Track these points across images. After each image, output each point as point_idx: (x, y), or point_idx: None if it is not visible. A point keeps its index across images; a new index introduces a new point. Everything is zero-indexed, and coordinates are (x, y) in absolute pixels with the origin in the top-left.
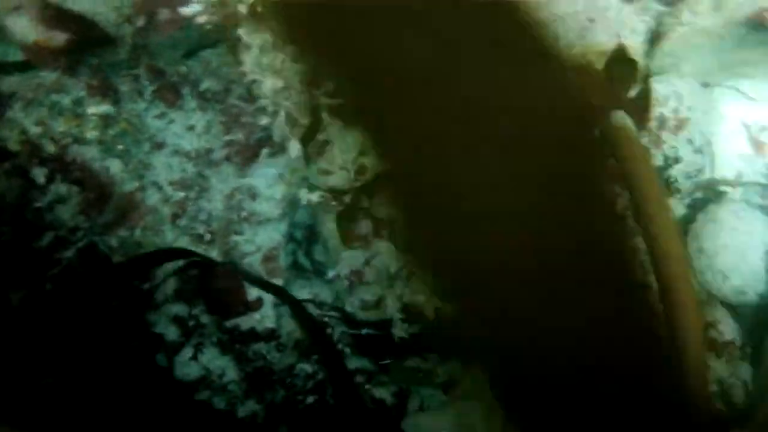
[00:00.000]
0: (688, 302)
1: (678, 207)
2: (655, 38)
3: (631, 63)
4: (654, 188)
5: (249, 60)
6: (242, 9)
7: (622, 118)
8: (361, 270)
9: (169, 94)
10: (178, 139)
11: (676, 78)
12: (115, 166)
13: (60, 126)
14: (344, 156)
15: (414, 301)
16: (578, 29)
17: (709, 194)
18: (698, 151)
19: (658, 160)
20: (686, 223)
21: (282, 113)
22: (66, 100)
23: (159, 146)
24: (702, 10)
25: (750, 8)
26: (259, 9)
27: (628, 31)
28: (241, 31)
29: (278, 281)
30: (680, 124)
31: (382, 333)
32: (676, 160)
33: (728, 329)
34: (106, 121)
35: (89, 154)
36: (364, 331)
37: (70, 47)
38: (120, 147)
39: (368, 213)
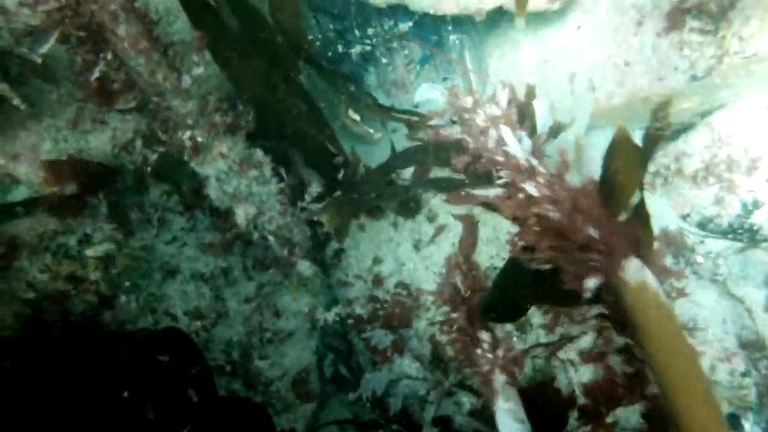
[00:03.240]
0: None
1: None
2: (703, 73)
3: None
4: (694, 375)
5: (211, 192)
6: (186, 141)
7: (638, 272)
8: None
9: (185, 211)
10: (193, 263)
11: (740, 111)
12: (123, 304)
13: (64, 271)
14: (360, 265)
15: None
16: (615, 76)
17: None
18: None
19: (734, 208)
20: None
21: (271, 239)
22: (72, 241)
23: (172, 273)
24: (750, 33)
25: None
26: (200, 140)
27: (670, 69)
28: (193, 164)
29: (311, 407)
30: (754, 164)
31: None
32: (756, 205)
33: None
34: (106, 261)
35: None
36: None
37: (80, 192)
38: (127, 284)
39: (388, 324)
